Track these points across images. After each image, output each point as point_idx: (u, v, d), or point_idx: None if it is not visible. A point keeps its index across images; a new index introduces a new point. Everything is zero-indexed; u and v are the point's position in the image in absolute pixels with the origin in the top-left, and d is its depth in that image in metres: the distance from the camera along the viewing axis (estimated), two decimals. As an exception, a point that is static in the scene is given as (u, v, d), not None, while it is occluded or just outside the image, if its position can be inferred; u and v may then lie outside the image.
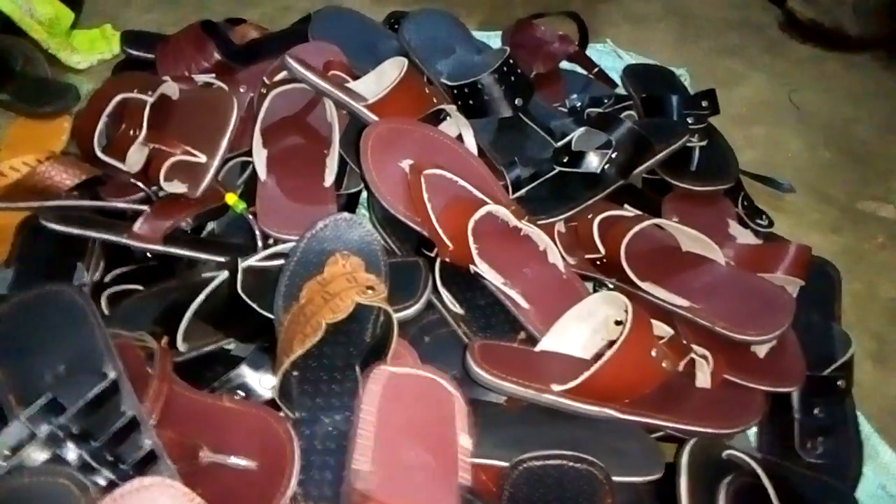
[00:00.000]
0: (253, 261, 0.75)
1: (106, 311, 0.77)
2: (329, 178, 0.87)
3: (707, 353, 0.74)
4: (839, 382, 0.79)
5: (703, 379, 0.74)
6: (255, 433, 0.60)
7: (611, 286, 0.85)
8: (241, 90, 0.97)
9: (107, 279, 0.82)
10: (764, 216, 0.99)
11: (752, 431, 0.81)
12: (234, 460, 0.58)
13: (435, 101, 0.90)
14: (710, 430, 0.69)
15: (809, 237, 1.08)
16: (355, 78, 0.94)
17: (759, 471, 0.65)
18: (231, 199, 0.83)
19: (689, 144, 0.95)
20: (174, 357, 0.70)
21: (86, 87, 1.19)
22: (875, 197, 1.18)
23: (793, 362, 0.78)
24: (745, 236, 0.91)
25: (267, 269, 0.75)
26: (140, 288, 0.80)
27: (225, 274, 0.74)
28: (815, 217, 1.14)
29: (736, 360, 0.76)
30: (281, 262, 0.74)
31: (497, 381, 0.66)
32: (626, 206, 0.89)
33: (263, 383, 0.68)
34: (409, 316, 0.72)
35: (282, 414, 0.63)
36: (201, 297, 0.71)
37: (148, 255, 0.82)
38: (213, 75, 0.98)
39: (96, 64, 1.30)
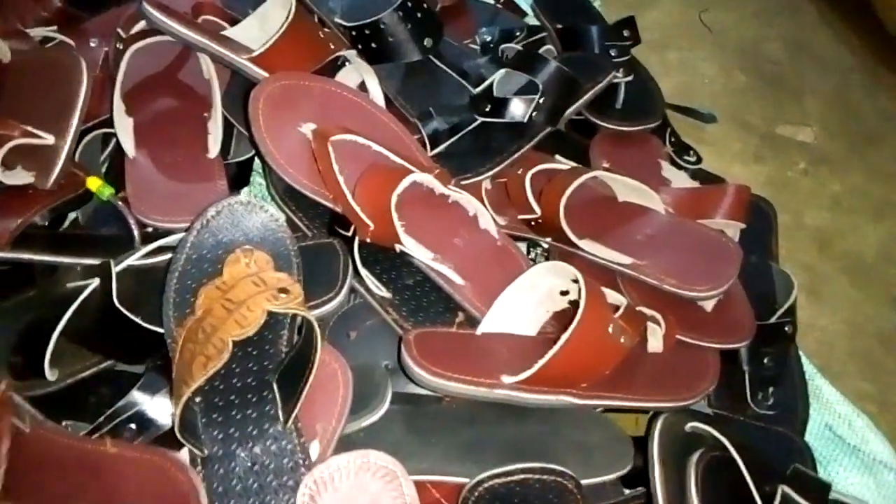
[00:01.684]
0: (130, 260, 0.62)
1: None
2: (214, 148, 0.73)
3: (658, 316, 0.68)
4: (786, 328, 0.76)
5: (656, 344, 0.68)
6: (150, 485, 0.49)
7: (545, 245, 0.77)
8: (92, 44, 0.79)
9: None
10: (692, 152, 0.94)
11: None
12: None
13: (332, 46, 0.77)
14: (669, 404, 0.64)
15: (733, 169, 1.05)
16: (233, 23, 0.79)
17: (725, 441, 0.60)
18: (94, 183, 0.68)
19: (614, 80, 0.88)
20: (45, 388, 0.58)
21: None
22: (792, 121, 1.15)
23: (742, 314, 0.74)
24: (679, 179, 0.85)
25: (150, 268, 0.63)
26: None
27: (96, 281, 0.60)
28: (736, 147, 1.10)
29: (684, 317, 0.71)
30: (167, 257, 0.61)
31: (442, 382, 0.57)
32: (557, 156, 0.80)
33: (163, 411, 0.57)
34: (330, 310, 0.61)
35: (182, 453, 0.52)
36: (68, 313, 0.58)
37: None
38: (55, 28, 0.80)
39: None
